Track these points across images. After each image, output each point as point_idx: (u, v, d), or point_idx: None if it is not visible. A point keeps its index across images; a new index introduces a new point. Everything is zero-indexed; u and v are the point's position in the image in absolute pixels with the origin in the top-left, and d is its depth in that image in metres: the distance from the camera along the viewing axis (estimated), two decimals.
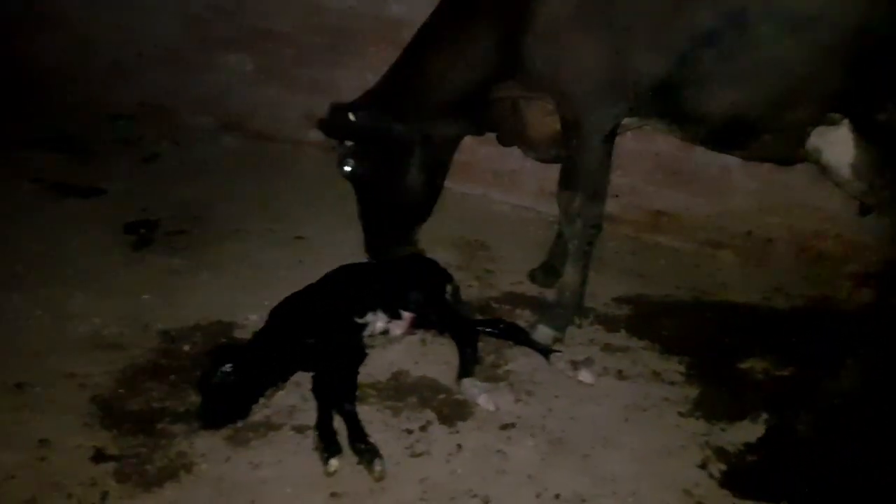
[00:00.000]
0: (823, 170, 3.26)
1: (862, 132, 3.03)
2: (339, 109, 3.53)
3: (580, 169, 3.38)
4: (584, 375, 3.28)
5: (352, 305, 3.41)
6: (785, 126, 3.14)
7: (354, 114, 3.49)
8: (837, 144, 3.10)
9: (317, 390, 3.05)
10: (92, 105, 6.01)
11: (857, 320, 3.69)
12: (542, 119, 3.59)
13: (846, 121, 3.05)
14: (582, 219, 3.44)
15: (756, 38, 2.95)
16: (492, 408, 3.11)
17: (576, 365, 3.31)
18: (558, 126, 3.47)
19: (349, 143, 3.58)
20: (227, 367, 2.91)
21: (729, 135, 3.28)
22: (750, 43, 2.96)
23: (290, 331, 3.21)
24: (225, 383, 2.92)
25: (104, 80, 6.14)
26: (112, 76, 6.12)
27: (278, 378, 3.14)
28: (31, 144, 5.50)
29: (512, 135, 3.84)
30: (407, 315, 3.52)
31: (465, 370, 3.26)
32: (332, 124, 3.56)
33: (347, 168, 3.60)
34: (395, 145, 3.57)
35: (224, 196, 4.92)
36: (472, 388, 3.17)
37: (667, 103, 3.24)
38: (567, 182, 3.43)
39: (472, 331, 3.47)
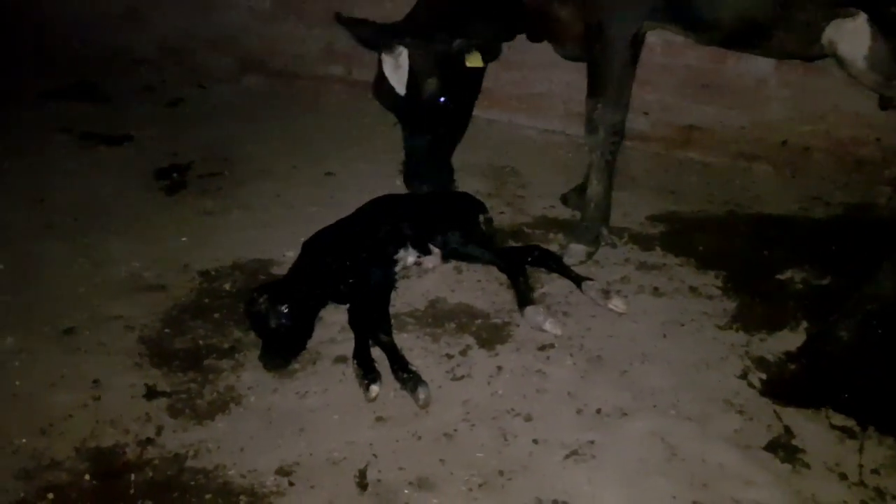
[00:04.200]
0: (839, 62, 3.22)
1: (877, 25, 2.96)
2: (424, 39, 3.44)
3: (603, 73, 3.37)
4: (616, 304, 3.24)
5: (387, 242, 3.42)
6: (797, 24, 3.12)
7: (444, 42, 3.44)
8: (853, 36, 3.05)
9: (353, 321, 3.10)
10: (110, 52, 6.01)
11: None
12: (572, 16, 3.52)
13: (862, 13, 2.98)
14: (604, 126, 3.42)
15: None
16: (559, 332, 3.13)
17: (607, 294, 3.27)
18: (580, 26, 3.45)
19: (433, 78, 3.48)
20: (284, 309, 2.95)
21: (742, 37, 3.29)
22: None
23: (329, 264, 3.24)
24: (285, 323, 2.96)
25: (121, 25, 6.11)
26: (129, 21, 6.08)
27: (321, 309, 3.19)
28: (56, 95, 5.55)
29: (542, 31, 3.77)
30: (437, 251, 3.52)
31: (525, 299, 3.25)
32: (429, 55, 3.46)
33: (441, 99, 3.51)
34: (464, 68, 3.52)
35: (251, 136, 4.93)
36: (537, 316, 3.17)
37: (679, 11, 3.26)
38: (591, 88, 3.43)
39: (519, 259, 3.45)
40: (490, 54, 3.54)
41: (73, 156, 4.77)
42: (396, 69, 3.45)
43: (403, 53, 3.43)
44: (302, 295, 3.04)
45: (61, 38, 6.18)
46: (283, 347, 2.95)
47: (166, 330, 3.24)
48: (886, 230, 3.74)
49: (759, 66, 4.19)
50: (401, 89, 3.50)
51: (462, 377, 2.95)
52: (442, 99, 3.50)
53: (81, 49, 6.09)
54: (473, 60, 3.48)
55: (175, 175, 4.47)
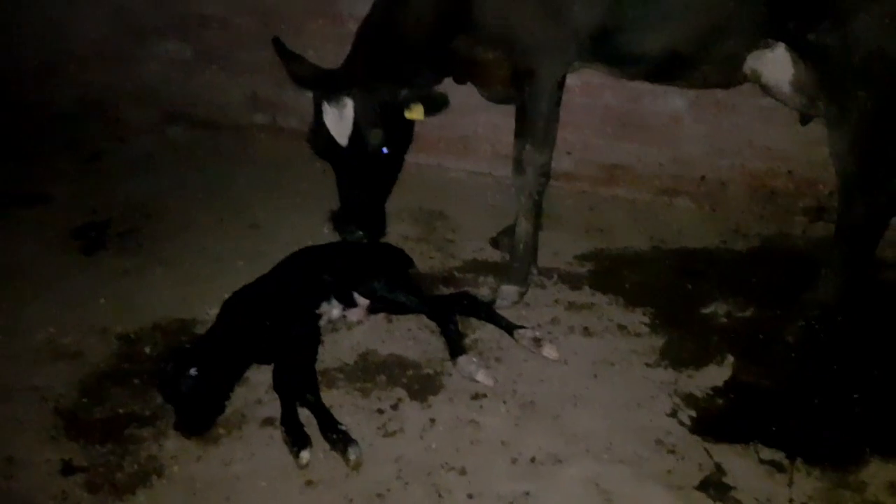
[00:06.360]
0: (764, 88, 3.37)
1: (797, 53, 3.11)
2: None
3: (533, 115, 3.42)
4: (548, 351, 3.24)
5: (307, 297, 3.35)
6: (720, 57, 3.24)
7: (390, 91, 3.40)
8: (775, 64, 3.20)
9: (277, 385, 3.01)
10: (26, 107, 5.82)
11: (813, 254, 3.77)
12: (494, 63, 3.55)
13: (781, 43, 3.13)
14: (532, 167, 3.46)
15: None
16: (491, 382, 3.10)
17: (539, 341, 3.27)
18: (506, 70, 3.50)
19: (378, 130, 3.41)
20: (193, 372, 2.85)
21: (667, 70, 3.40)
22: None
23: (247, 324, 3.15)
24: (195, 388, 2.86)
25: (37, 79, 5.93)
26: (45, 75, 5.91)
27: (242, 371, 3.10)
28: None
29: (468, 74, 3.80)
30: (363, 302, 3.47)
31: (457, 349, 3.22)
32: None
33: (384, 150, 3.45)
34: (399, 112, 3.48)
35: (173, 189, 4.81)
36: (469, 366, 3.14)
37: (605, 48, 3.33)
38: (519, 130, 3.48)
39: (450, 308, 3.41)
40: (433, 107, 3.49)
41: None
42: (340, 120, 3.41)
43: (349, 105, 3.39)
44: (212, 357, 2.94)
45: None
46: (198, 414, 2.84)
47: (83, 399, 3.10)
48: (803, 259, 3.87)
49: (674, 104, 4.32)
50: (342, 140, 3.44)
51: (394, 433, 2.89)
52: (385, 150, 3.49)
53: None
54: (415, 113, 3.47)
55: (93, 234, 4.31)
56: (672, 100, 4.30)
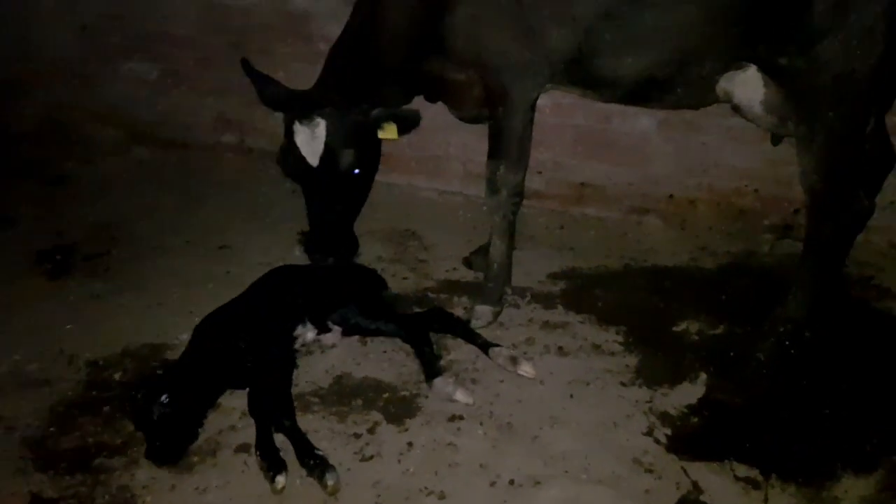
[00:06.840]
0: (736, 108, 3.43)
1: (768, 75, 3.18)
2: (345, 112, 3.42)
3: (506, 135, 3.44)
4: (525, 369, 3.24)
5: (281, 319, 3.31)
6: (694, 80, 3.28)
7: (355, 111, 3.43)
8: (746, 85, 3.25)
9: (253, 409, 2.96)
10: None
11: (781, 271, 3.84)
12: (466, 83, 3.58)
13: (752, 65, 3.19)
14: (506, 187, 3.48)
15: (656, 7, 3.08)
16: (470, 401, 3.09)
17: (515, 360, 3.27)
18: (478, 90, 3.52)
19: (350, 150, 3.44)
20: (164, 399, 2.80)
21: (642, 93, 3.43)
22: (650, 12, 3.09)
23: (220, 348, 3.11)
24: (166, 415, 2.80)
25: (1, 99, 5.82)
26: (10, 95, 5.81)
27: (216, 396, 3.05)
28: None
29: (439, 93, 3.83)
30: (337, 327, 3.44)
31: (432, 371, 3.21)
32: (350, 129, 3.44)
33: (356, 171, 3.48)
34: (371, 132, 3.50)
35: (141, 211, 4.74)
36: (446, 387, 3.13)
37: (580, 72, 3.36)
38: (493, 150, 3.49)
39: (424, 329, 3.40)
40: (406, 126, 3.52)
41: None
42: (312, 140, 3.39)
43: (321, 125, 3.38)
44: (184, 382, 2.90)
45: None
46: (170, 442, 2.79)
47: (52, 428, 3.02)
48: (771, 276, 3.94)
49: (643, 124, 4.39)
50: (314, 160, 3.43)
51: (371, 457, 2.86)
52: (356, 171, 3.48)
53: None
54: (388, 132, 3.47)
55: (59, 257, 4.22)
56: (641, 120, 4.37)
